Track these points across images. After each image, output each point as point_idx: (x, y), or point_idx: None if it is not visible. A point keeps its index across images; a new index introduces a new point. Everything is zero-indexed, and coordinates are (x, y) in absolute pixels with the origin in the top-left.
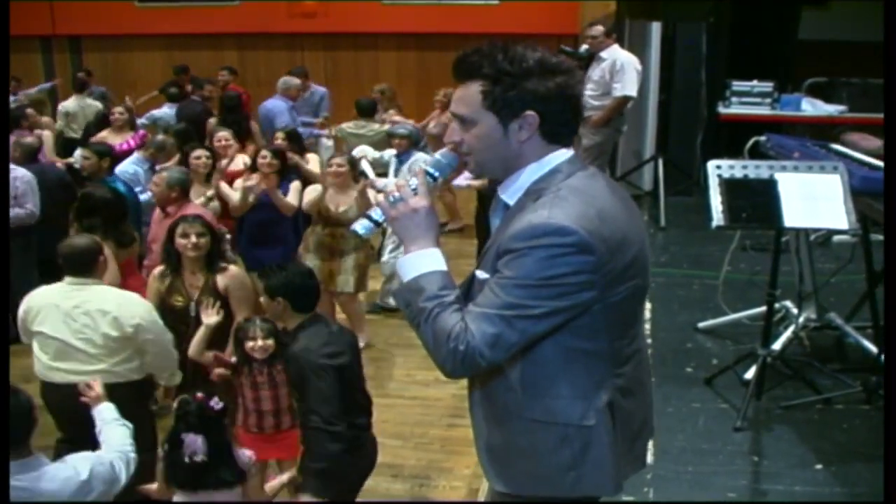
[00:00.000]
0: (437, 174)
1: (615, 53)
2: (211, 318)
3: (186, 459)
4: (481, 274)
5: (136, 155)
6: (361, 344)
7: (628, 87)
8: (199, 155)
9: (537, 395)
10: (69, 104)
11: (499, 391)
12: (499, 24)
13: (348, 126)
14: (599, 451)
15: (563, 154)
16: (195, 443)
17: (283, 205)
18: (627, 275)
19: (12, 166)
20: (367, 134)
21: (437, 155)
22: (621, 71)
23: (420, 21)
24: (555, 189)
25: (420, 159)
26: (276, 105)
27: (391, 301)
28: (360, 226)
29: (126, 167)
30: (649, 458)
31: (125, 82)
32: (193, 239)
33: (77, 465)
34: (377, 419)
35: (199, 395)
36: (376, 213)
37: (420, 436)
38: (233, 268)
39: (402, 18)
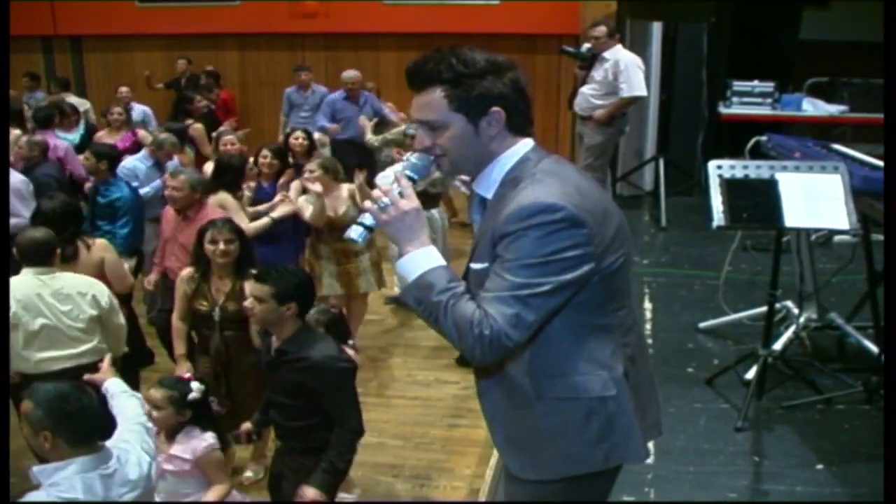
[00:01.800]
0: (415, 177)
1: (618, 54)
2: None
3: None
4: (476, 265)
5: (142, 152)
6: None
7: (636, 87)
8: (266, 154)
9: (556, 375)
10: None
11: (516, 378)
12: (500, 25)
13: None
14: (625, 419)
15: (527, 143)
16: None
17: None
18: (615, 244)
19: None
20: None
21: (412, 158)
22: (625, 71)
23: (421, 21)
24: (530, 174)
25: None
26: (333, 97)
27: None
28: (355, 232)
29: (126, 163)
30: (650, 459)
31: (126, 82)
32: (222, 246)
33: (132, 447)
34: (378, 419)
35: (189, 374)
36: (368, 219)
37: (421, 436)
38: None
39: (404, 18)
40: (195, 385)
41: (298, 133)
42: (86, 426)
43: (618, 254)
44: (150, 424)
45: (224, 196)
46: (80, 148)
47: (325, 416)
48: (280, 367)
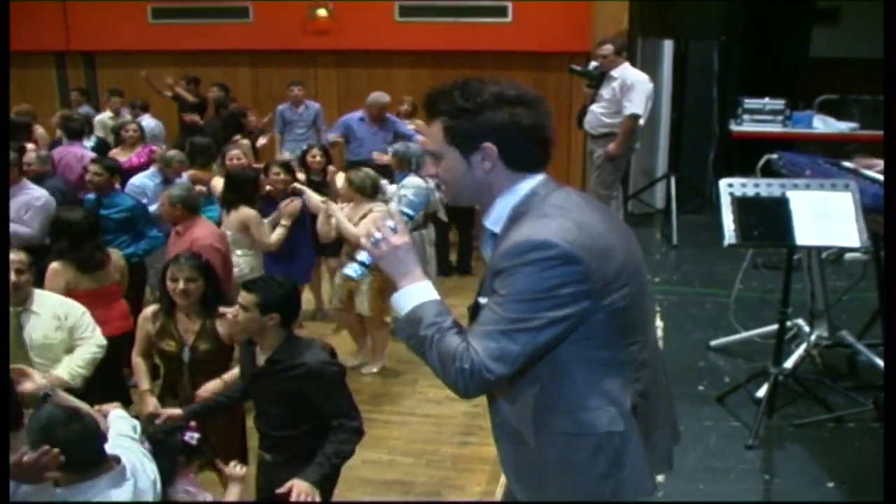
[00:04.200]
0: (412, 213)
1: (625, 72)
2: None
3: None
4: (483, 300)
5: (151, 169)
6: (375, 369)
7: (636, 105)
8: (278, 171)
9: (564, 410)
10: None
11: (525, 410)
12: (511, 43)
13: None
14: (633, 454)
15: (535, 179)
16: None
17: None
18: (619, 281)
19: (28, 185)
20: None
21: (411, 196)
22: (631, 89)
23: (433, 39)
24: (536, 209)
25: (409, 184)
26: (349, 119)
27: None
28: (350, 269)
29: (135, 180)
30: (660, 477)
31: (138, 98)
32: (181, 285)
33: (137, 458)
34: (389, 436)
35: (193, 423)
36: (362, 256)
37: (432, 453)
38: (232, 310)
39: (416, 36)
40: (192, 436)
41: (315, 150)
42: (82, 453)
43: (622, 291)
44: (136, 437)
45: (246, 210)
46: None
47: (315, 423)
48: (269, 377)
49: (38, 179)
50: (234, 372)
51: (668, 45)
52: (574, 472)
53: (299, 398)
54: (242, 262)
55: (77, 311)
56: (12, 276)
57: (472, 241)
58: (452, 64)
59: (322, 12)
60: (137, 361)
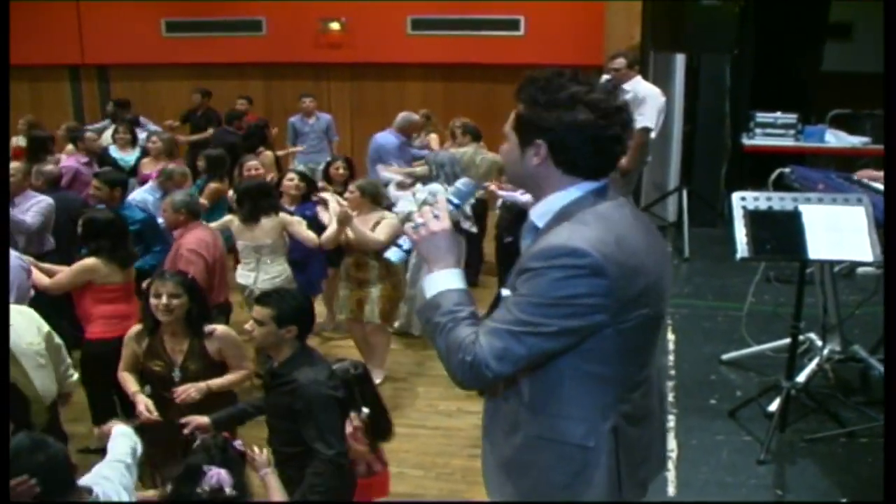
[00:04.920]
0: (457, 201)
1: (637, 86)
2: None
3: (204, 491)
4: (506, 292)
5: (150, 183)
6: (378, 379)
7: (647, 119)
8: (293, 177)
9: (544, 414)
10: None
11: (509, 406)
12: (524, 56)
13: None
14: (595, 473)
15: (590, 185)
16: (220, 475)
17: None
18: (640, 302)
19: (34, 194)
20: (479, 162)
21: (458, 184)
22: (643, 103)
23: (446, 52)
24: (580, 214)
25: (431, 189)
26: (387, 140)
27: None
28: (391, 253)
29: (136, 195)
30: (671, 491)
31: (152, 111)
32: (164, 300)
33: (112, 484)
34: (399, 449)
35: (226, 433)
36: (405, 241)
37: (442, 466)
38: (220, 328)
39: (428, 49)
40: (238, 443)
41: (339, 162)
42: (47, 483)
43: (640, 312)
44: (130, 461)
45: (283, 216)
46: (133, 171)
47: (336, 433)
48: (272, 390)
49: (49, 190)
50: (228, 377)
51: (680, 59)
52: (537, 475)
53: (294, 414)
54: (279, 270)
55: (35, 315)
56: None
57: (482, 255)
58: (464, 77)
59: (335, 25)
60: (124, 374)
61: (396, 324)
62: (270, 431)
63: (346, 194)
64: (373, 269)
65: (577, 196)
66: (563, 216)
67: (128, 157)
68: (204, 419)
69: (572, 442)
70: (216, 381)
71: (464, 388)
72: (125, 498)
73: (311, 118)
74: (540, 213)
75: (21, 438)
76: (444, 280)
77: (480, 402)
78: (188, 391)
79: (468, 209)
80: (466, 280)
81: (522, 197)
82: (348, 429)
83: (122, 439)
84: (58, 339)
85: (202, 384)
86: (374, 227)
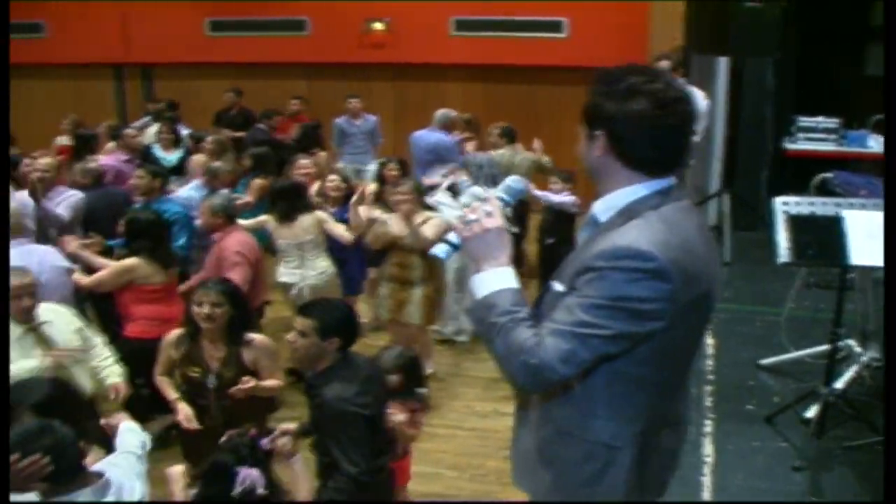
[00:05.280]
0: (508, 199)
1: None
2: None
3: (238, 492)
4: (557, 286)
5: (195, 181)
6: (428, 371)
7: None
8: (334, 179)
9: (574, 410)
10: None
11: (541, 398)
12: (566, 58)
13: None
14: (617, 474)
15: (658, 183)
16: (252, 476)
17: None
18: (693, 308)
19: (64, 188)
20: (518, 162)
21: (509, 181)
22: None
23: (488, 53)
24: (646, 214)
25: (472, 192)
26: (441, 139)
27: (446, 330)
28: (439, 249)
29: (182, 192)
30: (706, 496)
31: (194, 110)
32: (206, 309)
33: (125, 474)
34: (435, 449)
35: (253, 431)
36: (453, 237)
37: (477, 467)
38: (258, 338)
39: (470, 50)
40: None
41: (393, 164)
42: (56, 465)
43: (690, 317)
44: (140, 452)
45: (316, 213)
46: (177, 169)
47: (360, 451)
48: (311, 401)
49: (87, 190)
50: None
51: (723, 62)
52: (562, 471)
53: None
54: (324, 265)
55: (70, 313)
56: (26, 301)
57: (523, 257)
58: (506, 79)
59: (378, 25)
60: (162, 378)
61: (447, 329)
62: (313, 440)
63: (400, 195)
64: (416, 270)
65: (642, 194)
66: (626, 214)
67: (170, 156)
68: (291, 426)
69: (598, 440)
70: (263, 384)
71: (524, 391)
72: (137, 485)
73: (358, 119)
74: (603, 208)
75: (27, 423)
76: (497, 279)
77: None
78: (241, 387)
79: (509, 210)
80: None
81: (556, 197)
82: (402, 416)
83: (131, 434)
84: (94, 336)
85: (253, 383)
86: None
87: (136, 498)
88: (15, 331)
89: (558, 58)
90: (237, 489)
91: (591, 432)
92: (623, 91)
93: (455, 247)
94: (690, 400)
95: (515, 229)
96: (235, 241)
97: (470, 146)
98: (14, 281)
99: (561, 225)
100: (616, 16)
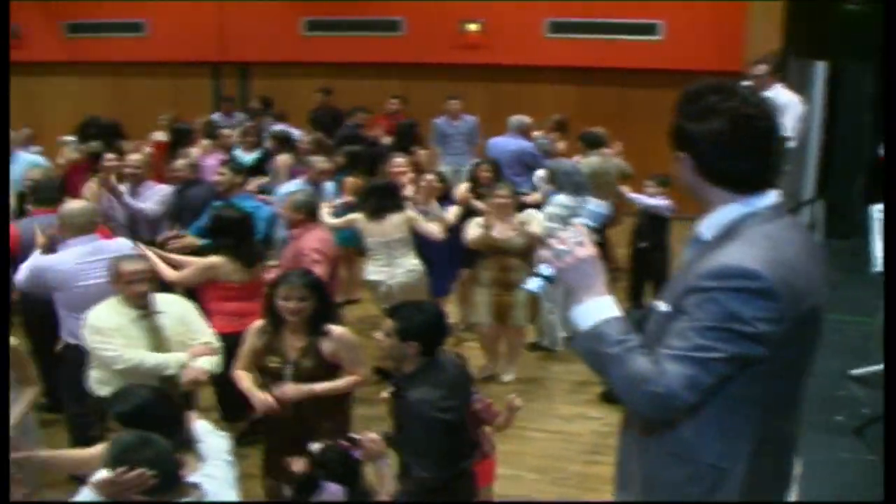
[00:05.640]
0: (593, 224)
1: (778, 93)
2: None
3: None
4: (662, 306)
5: (298, 179)
6: (509, 377)
7: (786, 127)
8: (431, 178)
9: (681, 430)
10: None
11: (646, 420)
12: (661, 61)
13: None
14: (726, 496)
15: (758, 199)
16: (335, 495)
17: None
18: (801, 326)
19: (153, 183)
20: (608, 169)
21: (591, 206)
22: (783, 112)
23: (582, 55)
24: (750, 232)
25: (557, 201)
26: (526, 146)
27: (544, 342)
28: (532, 283)
29: (284, 189)
30: None
31: (290, 108)
32: (293, 304)
33: (220, 484)
34: (517, 451)
35: (344, 442)
36: (545, 269)
37: (558, 471)
38: (338, 329)
39: (565, 52)
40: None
41: (486, 165)
42: (157, 478)
43: (799, 336)
44: (230, 458)
45: (408, 212)
46: (255, 169)
47: (434, 456)
48: (395, 403)
49: (186, 185)
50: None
51: (821, 66)
52: (664, 494)
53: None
54: (413, 263)
55: (190, 305)
56: (140, 286)
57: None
58: (599, 81)
59: (473, 26)
60: (242, 374)
61: (545, 341)
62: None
63: (498, 199)
64: (518, 271)
65: (744, 212)
66: (730, 232)
67: (246, 157)
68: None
69: (706, 461)
70: (321, 386)
71: (648, 418)
72: (231, 494)
73: (457, 120)
74: (706, 226)
75: (127, 435)
76: (599, 308)
77: (601, 409)
78: (285, 390)
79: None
80: None
81: (650, 200)
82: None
83: (214, 438)
84: (203, 328)
85: (305, 387)
86: (518, 229)
87: None
88: (128, 315)
89: (653, 60)
90: (315, 499)
91: (698, 453)
92: (700, 111)
93: (548, 279)
94: (801, 418)
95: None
96: (315, 239)
97: (562, 147)
98: (130, 266)
99: (655, 229)
100: (712, 18)
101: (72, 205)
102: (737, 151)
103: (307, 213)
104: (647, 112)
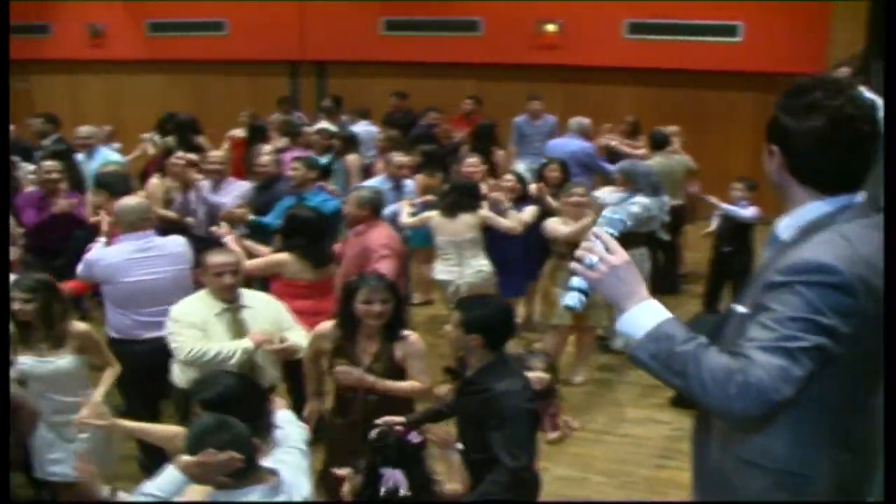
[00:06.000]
0: (614, 232)
1: None
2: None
3: (383, 493)
4: (740, 308)
5: (380, 176)
6: (580, 378)
7: None
8: (510, 178)
9: (756, 436)
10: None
11: (720, 426)
12: (741, 62)
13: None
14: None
15: (841, 200)
16: (395, 477)
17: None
18: (875, 325)
19: (234, 179)
20: (675, 167)
21: (608, 213)
22: None
23: (660, 57)
24: (829, 231)
25: (638, 202)
26: (585, 146)
27: (616, 344)
28: (571, 299)
29: (370, 183)
30: None
31: (366, 107)
32: (377, 307)
33: (295, 473)
34: (585, 454)
35: (399, 428)
36: (579, 282)
37: (626, 474)
38: (413, 336)
39: (643, 54)
40: (414, 434)
41: (555, 165)
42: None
43: (877, 334)
44: (305, 447)
45: (481, 211)
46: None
47: (526, 447)
48: (466, 397)
49: (269, 181)
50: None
51: None
52: (748, 501)
53: (485, 422)
54: (482, 263)
55: (280, 305)
56: (228, 279)
57: (677, 264)
58: (677, 83)
59: (551, 27)
60: (310, 366)
61: (617, 343)
62: (459, 434)
63: (576, 197)
64: None
65: (824, 211)
66: (809, 231)
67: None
68: (398, 419)
69: (788, 469)
70: (395, 384)
71: (742, 418)
72: (304, 482)
73: (538, 120)
74: (785, 226)
75: (206, 419)
76: (651, 313)
77: (671, 413)
78: (351, 371)
79: (665, 216)
80: (662, 288)
81: (741, 211)
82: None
83: (292, 426)
84: (297, 330)
85: (388, 382)
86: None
87: (303, 495)
88: (214, 308)
89: (732, 62)
90: (382, 490)
91: (776, 460)
92: (802, 107)
93: (584, 292)
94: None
95: (667, 237)
96: (382, 235)
97: (643, 149)
98: (217, 259)
99: (739, 233)
100: (795, 20)
101: (127, 200)
102: (831, 153)
103: (372, 209)
104: (725, 115)
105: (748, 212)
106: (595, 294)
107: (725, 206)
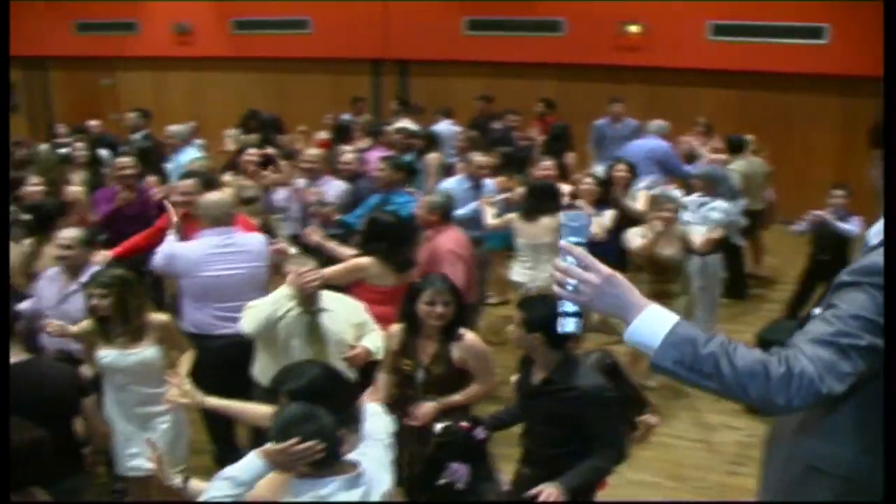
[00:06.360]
0: (582, 240)
1: None
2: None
3: (443, 482)
4: (817, 310)
5: (459, 175)
6: (653, 383)
7: None
8: (589, 181)
9: (824, 442)
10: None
11: (791, 433)
12: (826, 65)
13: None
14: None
15: None
16: (459, 472)
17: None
18: None
19: (329, 178)
20: (757, 171)
21: (567, 222)
22: None
23: (743, 59)
24: None
25: (718, 207)
26: (662, 144)
27: None
28: (570, 325)
29: (444, 185)
30: None
31: (447, 106)
32: (439, 309)
33: (376, 466)
34: (657, 458)
35: (465, 423)
36: (568, 306)
37: (698, 480)
38: (470, 336)
39: (726, 55)
40: (480, 430)
41: (622, 165)
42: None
43: None
44: (388, 441)
45: (561, 216)
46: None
47: (579, 445)
48: (542, 396)
49: (352, 178)
50: (466, 393)
51: None
52: None
53: (570, 420)
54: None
55: (360, 307)
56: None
57: (744, 268)
58: (760, 85)
59: (633, 28)
60: (383, 377)
61: None
62: (528, 433)
63: (666, 211)
64: (676, 280)
65: None
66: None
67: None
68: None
69: (853, 477)
70: (453, 399)
71: (785, 409)
72: (385, 477)
73: (619, 123)
74: (875, 231)
75: (293, 408)
76: (660, 319)
77: (746, 419)
78: (424, 412)
79: (741, 220)
80: (730, 294)
81: (845, 226)
82: None
83: (377, 419)
84: (375, 332)
85: (438, 405)
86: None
87: (383, 490)
88: (293, 309)
89: (817, 65)
90: (441, 480)
91: (843, 467)
92: None
93: (574, 314)
94: None
95: (741, 242)
96: (451, 240)
97: (717, 155)
98: (299, 266)
99: (838, 242)
100: (882, 21)
101: (211, 195)
102: None
103: (442, 214)
104: (810, 118)
105: (854, 227)
106: (674, 303)
107: (837, 223)
